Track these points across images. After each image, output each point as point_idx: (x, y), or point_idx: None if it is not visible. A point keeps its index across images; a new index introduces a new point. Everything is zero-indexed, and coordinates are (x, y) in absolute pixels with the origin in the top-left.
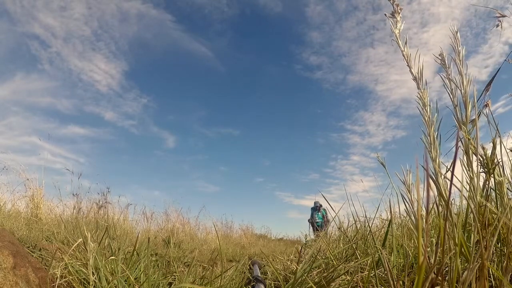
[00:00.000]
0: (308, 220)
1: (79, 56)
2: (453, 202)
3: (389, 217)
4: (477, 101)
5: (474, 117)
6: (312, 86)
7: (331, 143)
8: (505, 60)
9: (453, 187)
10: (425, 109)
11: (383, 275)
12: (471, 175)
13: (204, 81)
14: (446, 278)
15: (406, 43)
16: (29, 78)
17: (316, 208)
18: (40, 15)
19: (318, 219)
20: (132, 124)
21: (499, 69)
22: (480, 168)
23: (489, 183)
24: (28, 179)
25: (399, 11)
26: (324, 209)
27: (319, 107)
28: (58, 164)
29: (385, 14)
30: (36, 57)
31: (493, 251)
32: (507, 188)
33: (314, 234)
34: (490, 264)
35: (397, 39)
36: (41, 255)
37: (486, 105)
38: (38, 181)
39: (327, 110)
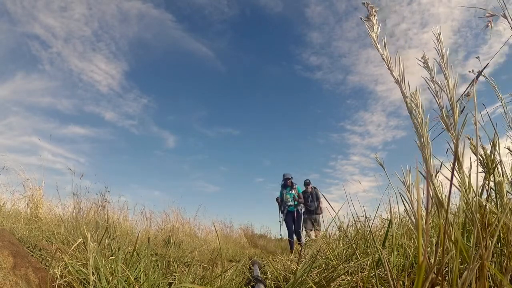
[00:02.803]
0: (277, 199)
1: (80, 56)
2: (452, 202)
3: (389, 217)
4: (476, 99)
5: (464, 118)
6: (312, 87)
7: (331, 143)
8: (493, 57)
9: (453, 187)
10: (417, 111)
11: (383, 275)
12: (462, 177)
13: (204, 81)
14: (446, 278)
15: (384, 46)
16: (30, 78)
17: (286, 183)
18: (41, 15)
19: (291, 200)
20: (132, 124)
21: (487, 64)
22: (480, 168)
23: (489, 183)
24: (28, 179)
25: (374, 14)
26: (315, 187)
27: (319, 107)
28: (58, 164)
29: (361, 18)
30: (36, 57)
31: (493, 251)
32: (506, 190)
33: (282, 221)
34: (490, 264)
35: (375, 43)
36: (41, 255)
37: (468, 95)
38: (38, 181)
39: (327, 110)
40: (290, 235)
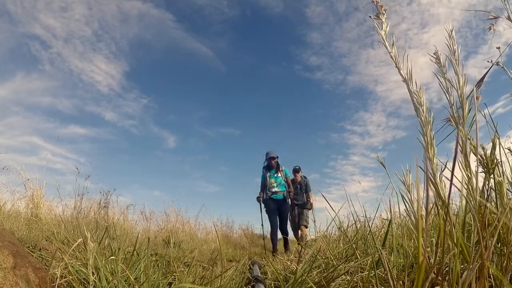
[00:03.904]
0: (258, 199)
1: (80, 56)
2: (452, 202)
3: (389, 217)
4: (476, 99)
5: (472, 117)
6: (313, 87)
7: (331, 143)
8: (493, 63)
9: (452, 187)
10: (421, 109)
11: (383, 275)
12: (469, 175)
13: (204, 81)
14: (446, 278)
15: (393, 44)
16: (30, 78)
17: (270, 164)
18: (41, 15)
19: (276, 186)
20: (133, 124)
21: (491, 66)
22: (480, 168)
23: (489, 183)
24: (28, 179)
25: (384, 12)
26: (305, 177)
27: (319, 108)
28: (59, 164)
29: (370, 16)
30: (36, 58)
31: (493, 251)
32: (507, 189)
33: (264, 215)
34: (490, 264)
35: (384, 40)
36: (41, 255)
37: (477, 98)
38: (39, 181)
39: (327, 110)
40: (273, 231)
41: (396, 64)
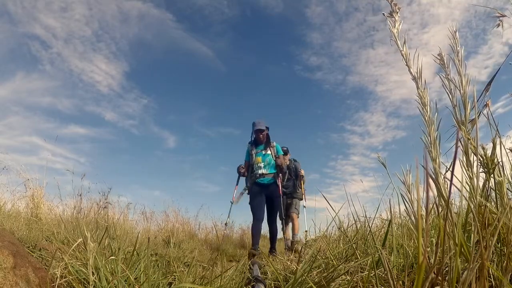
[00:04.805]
0: (238, 169)
1: (80, 56)
2: (453, 202)
3: (389, 217)
4: (477, 101)
5: (473, 117)
6: (313, 87)
7: (331, 143)
8: (506, 60)
9: (453, 187)
10: (425, 109)
11: (383, 275)
12: (471, 175)
13: (204, 81)
14: (446, 278)
15: (405, 42)
16: (30, 78)
17: (258, 137)
18: (41, 16)
19: (264, 167)
20: (133, 124)
21: (499, 69)
22: (480, 168)
23: (489, 183)
24: (28, 179)
25: (397, 10)
26: (294, 160)
27: (319, 108)
28: (58, 164)
29: (384, 14)
30: (37, 58)
31: (493, 251)
32: (507, 188)
33: (238, 201)
34: (490, 264)
35: (396, 39)
36: (41, 255)
37: (486, 105)
38: (39, 181)
39: (327, 110)
40: (257, 225)
41: (406, 62)
